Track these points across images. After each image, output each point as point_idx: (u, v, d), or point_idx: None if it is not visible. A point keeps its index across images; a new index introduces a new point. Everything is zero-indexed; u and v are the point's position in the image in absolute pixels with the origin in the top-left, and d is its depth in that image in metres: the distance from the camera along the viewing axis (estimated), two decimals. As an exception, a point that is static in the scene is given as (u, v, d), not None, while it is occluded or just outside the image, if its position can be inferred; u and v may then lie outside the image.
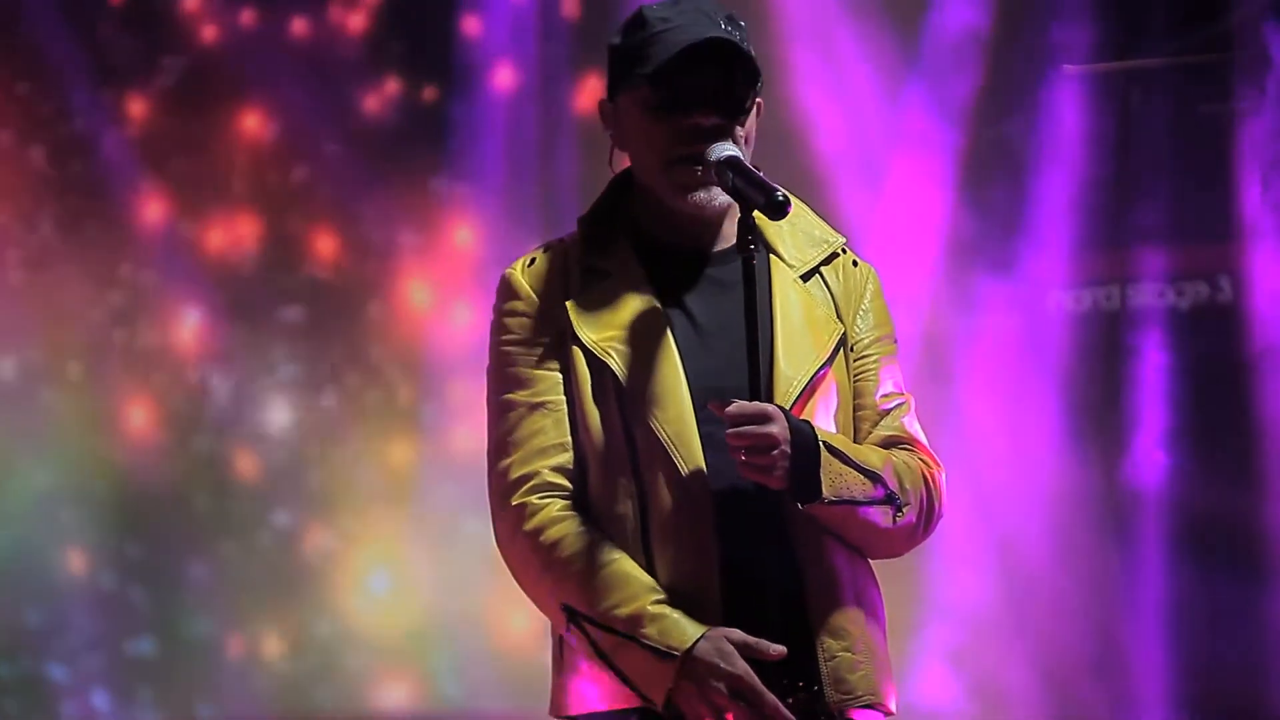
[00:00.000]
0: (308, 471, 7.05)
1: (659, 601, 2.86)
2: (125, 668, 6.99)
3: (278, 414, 7.08)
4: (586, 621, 2.88)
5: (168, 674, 7.00)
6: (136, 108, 7.13)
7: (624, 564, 2.89)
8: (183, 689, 6.99)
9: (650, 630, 2.83)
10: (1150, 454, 6.65)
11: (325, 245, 7.13)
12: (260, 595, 7.01)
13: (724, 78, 2.97)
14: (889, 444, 3.05)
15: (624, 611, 2.85)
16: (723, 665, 2.80)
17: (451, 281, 7.04)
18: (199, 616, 7.02)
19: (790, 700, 2.86)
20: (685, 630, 2.83)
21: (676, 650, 2.81)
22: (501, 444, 3.01)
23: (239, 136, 7.12)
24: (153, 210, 7.09)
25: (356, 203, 7.07)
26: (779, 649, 2.82)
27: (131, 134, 7.09)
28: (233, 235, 7.12)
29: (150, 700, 7.00)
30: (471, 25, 7.08)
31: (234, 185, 7.13)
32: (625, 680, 2.86)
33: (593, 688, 2.93)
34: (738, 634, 2.83)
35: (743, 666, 2.80)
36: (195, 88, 7.10)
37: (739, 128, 2.99)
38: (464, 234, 7.09)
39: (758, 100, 3.03)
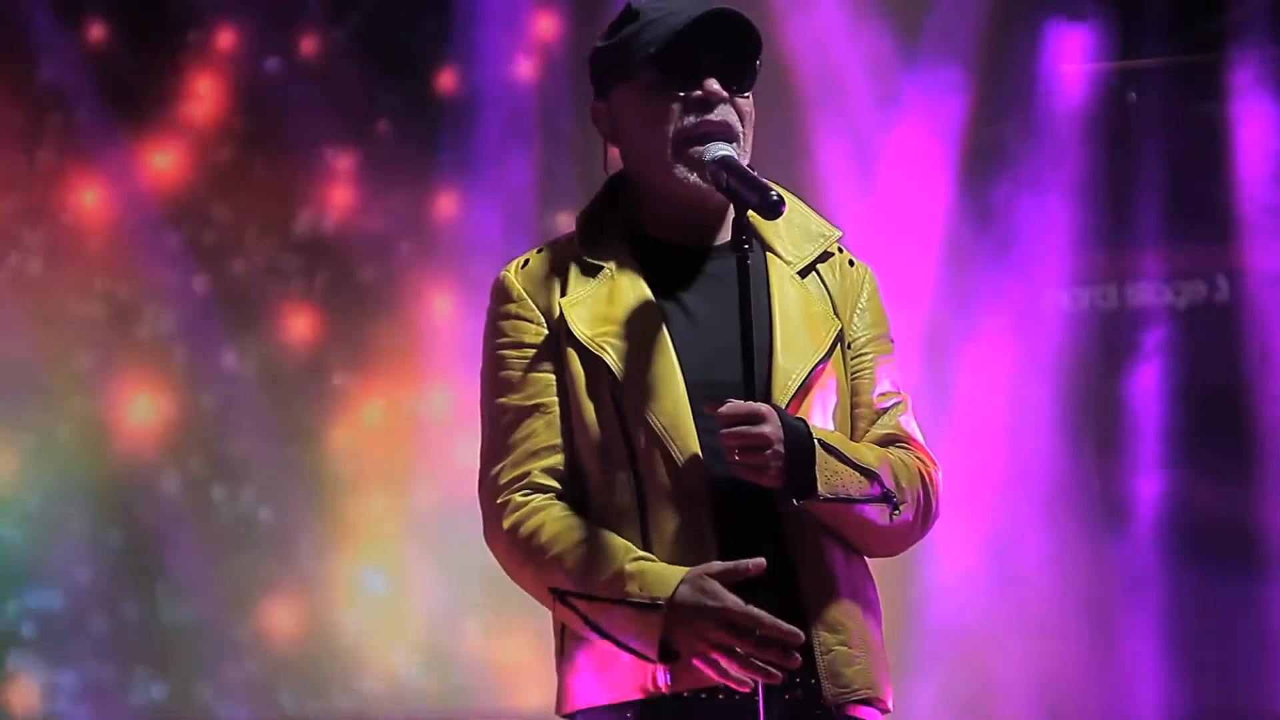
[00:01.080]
0: (301, 467, 7.06)
1: (636, 559, 2.86)
2: (109, 661, 7.00)
3: (272, 409, 7.09)
4: (573, 597, 2.89)
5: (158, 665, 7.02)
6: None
7: (600, 535, 2.90)
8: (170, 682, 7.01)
9: (632, 587, 2.84)
10: (1147, 453, 6.66)
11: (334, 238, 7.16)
12: (253, 591, 7.01)
13: (728, 49, 3.00)
14: (886, 442, 3.05)
15: (604, 576, 2.86)
16: (709, 602, 2.80)
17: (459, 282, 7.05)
18: (187, 607, 7.04)
19: (786, 695, 2.85)
20: (666, 579, 2.83)
21: (661, 599, 2.82)
22: (494, 447, 3.02)
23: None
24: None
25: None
26: (758, 562, 2.81)
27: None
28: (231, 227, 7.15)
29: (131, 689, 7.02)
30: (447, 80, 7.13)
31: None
32: (620, 644, 2.86)
33: (592, 681, 2.94)
34: (716, 565, 2.83)
35: (729, 598, 2.80)
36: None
37: (743, 100, 3.01)
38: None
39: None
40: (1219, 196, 6.61)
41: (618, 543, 2.89)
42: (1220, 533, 6.54)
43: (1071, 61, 6.75)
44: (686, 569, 2.83)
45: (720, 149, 2.95)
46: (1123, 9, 6.72)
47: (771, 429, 2.82)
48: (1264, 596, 6.50)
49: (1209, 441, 6.59)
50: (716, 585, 2.80)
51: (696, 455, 2.91)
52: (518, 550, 2.94)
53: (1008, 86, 6.76)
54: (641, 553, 2.88)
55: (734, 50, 3.00)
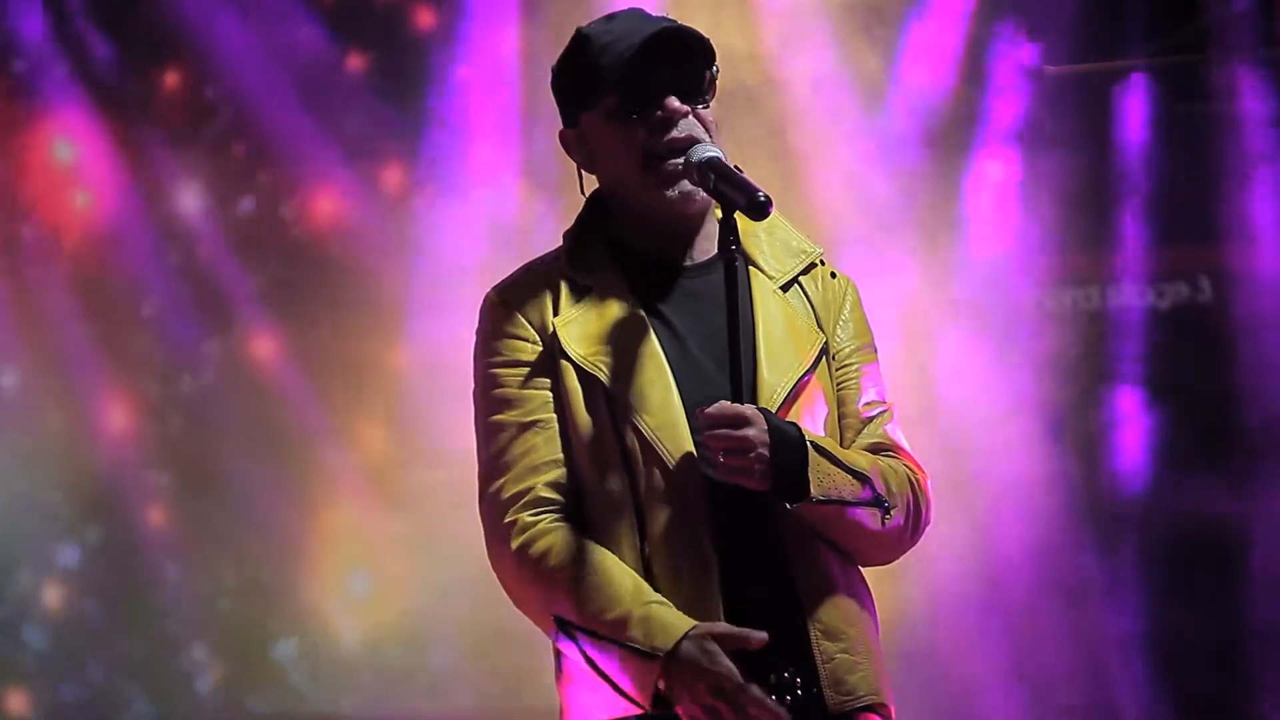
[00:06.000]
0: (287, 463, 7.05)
1: (645, 603, 2.86)
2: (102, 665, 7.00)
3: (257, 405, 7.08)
4: (576, 630, 2.89)
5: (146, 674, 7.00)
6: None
7: (611, 569, 2.90)
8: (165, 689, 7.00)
9: (635, 632, 2.84)
10: (1129, 454, 6.67)
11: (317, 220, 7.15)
12: (242, 592, 7.01)
13: (682, 64, 3.03)
14: (873, 451, 3.07)
15: (610, 616, 2.86)
16: (705, 665, 2.80)
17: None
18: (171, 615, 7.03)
19: (788, 698, 2.87)
20: (669, 630, 2.83)
21: (660, 651, 2.82)
22: (493, 465, 3.02)
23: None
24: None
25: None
26: (760, 636, 2.81)
27: None
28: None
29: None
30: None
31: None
32: (614, 685, 2.87)
33: (590, 697, 2.94)
34: (721, 627, 2.84)
35: (725, 665, 2.80)
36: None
37: (704, 110, 3.04)
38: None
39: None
40: (1201, 197, 6.62)
41: (626, 580, 2.89)
42: (1202, 532, 6.55)
43: (1054, 62, 6.76)
44: (691, 623, 2.83)
45: (707, 150, 2.98)
46: (1105, 10, 6.73)
47: (755, 432, 2.84)
48: (1245, 596, 6.51)
49: (1191, 443, 6.60)
50: (716, 649, 2.81)
51: (692, 466, 2.92)
52: (526, 572, 2.94)
53: (988, 88, 6.76)
54: (651, 595, 2.88)
55: (687, 64, 3.04)
